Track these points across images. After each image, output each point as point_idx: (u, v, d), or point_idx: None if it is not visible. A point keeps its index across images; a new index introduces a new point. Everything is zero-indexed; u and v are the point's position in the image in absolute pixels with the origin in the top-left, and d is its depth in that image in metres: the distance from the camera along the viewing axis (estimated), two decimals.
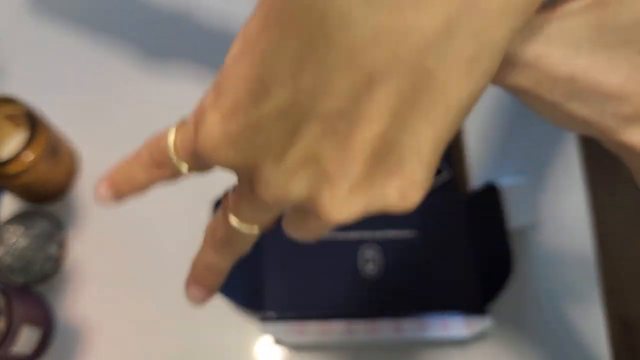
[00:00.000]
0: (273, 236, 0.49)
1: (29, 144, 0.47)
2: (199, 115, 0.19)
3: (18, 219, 0.53)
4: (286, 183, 0.18)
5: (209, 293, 0.26)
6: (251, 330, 0.51)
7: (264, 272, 0.48)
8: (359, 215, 0.18)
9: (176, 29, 0.63)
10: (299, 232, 0.21)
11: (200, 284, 0.25)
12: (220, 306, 0.51)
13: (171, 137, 0.23)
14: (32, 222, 0.53)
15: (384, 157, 0.17)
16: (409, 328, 0.47)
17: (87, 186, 0.56)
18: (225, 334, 0.51)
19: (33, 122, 0.48)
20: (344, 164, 0.17)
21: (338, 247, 0.49)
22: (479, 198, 0.51)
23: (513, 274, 0.50)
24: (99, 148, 0.57)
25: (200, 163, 0.23)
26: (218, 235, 0.23)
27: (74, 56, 0.62)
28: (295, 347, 0.50)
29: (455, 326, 0.47)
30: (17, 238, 0.53)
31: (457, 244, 0.49)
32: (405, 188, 0.17)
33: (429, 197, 0.52)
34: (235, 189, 0.22)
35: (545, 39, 0.18)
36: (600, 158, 1.23)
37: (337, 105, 0.16)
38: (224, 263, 0.24)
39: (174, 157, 0.23)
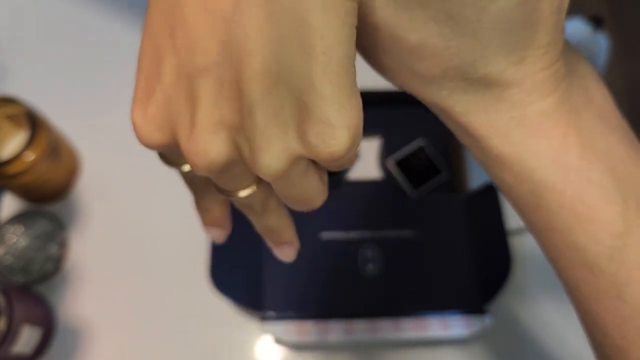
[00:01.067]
0: None
1: (29, 144, 0.47)
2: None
3: (18, 218, 0.53)
4: (204, 147, 0.18)
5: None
6: (251, 330, 0.51)
7: (263, 272, 0.48)
8: (287, 164, 0.18)
9: None
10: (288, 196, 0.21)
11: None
12: (221, 306, 0.52)
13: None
14: (32, 222, 0.53)
15: (285, 103, 0.17)
16: (409, 327, 0.47)
17: (87, 186, 0.56)
18: (226, 333, 0.51)
19: (34, 123, 0.48)
20: (247, 115, 0.17)
21: (338, 247, 0.49)
22: (478, 198, 0.51)
23: (512, 274, 0.50)
24: (99, 148, 0.57)
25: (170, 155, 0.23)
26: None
27: (75, 57, 0.62)
28: (295, 347, 0.51)
29: (455, 325, 0.47)
30: (17, 238, 0.53)
31: (457, 244, 0.49)
32: (323, 132, 0.17)
33: (428, 197, 0.52)
34: None
35: None
36: None
37: (212, 59, 0.17)
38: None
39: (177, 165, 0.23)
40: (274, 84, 0.17)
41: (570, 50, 0.21)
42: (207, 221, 0.27)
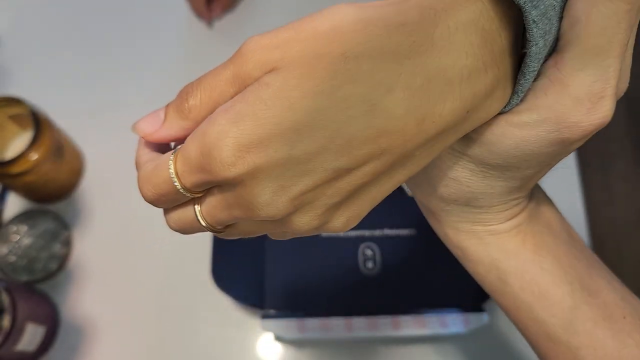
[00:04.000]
0: None
1: (33, 143, 0.48)
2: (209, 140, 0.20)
3: (22, 217, 0.54)
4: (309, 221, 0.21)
5: None
6: (252, 327, 0.52)
7: (264, 270, 0.48)
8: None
9: (183, 30, 0.64)
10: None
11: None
12: (221, 303, 0.52)
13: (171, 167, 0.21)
14: (36, 221, 0.54)
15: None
16: (408, 324, 0.47)
17: (91, 186, 0.57)
18: (226, 331, 0.51)
19: (38, 122, 0.49)
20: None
21: (338, 245, 0.49)
22: None
23: None
24: (103, 148, 0.58)
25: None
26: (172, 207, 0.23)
27: (79, 57, 0.62)
28: (296, 344, 0.51)
29: (453, 322, 0.47)
30: (21, 237, 0.53)
31: None
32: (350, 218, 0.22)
33: None
34: (216, 194, 0.21)
35: None
36: (597, 161, 1.23)
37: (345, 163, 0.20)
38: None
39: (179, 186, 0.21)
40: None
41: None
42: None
